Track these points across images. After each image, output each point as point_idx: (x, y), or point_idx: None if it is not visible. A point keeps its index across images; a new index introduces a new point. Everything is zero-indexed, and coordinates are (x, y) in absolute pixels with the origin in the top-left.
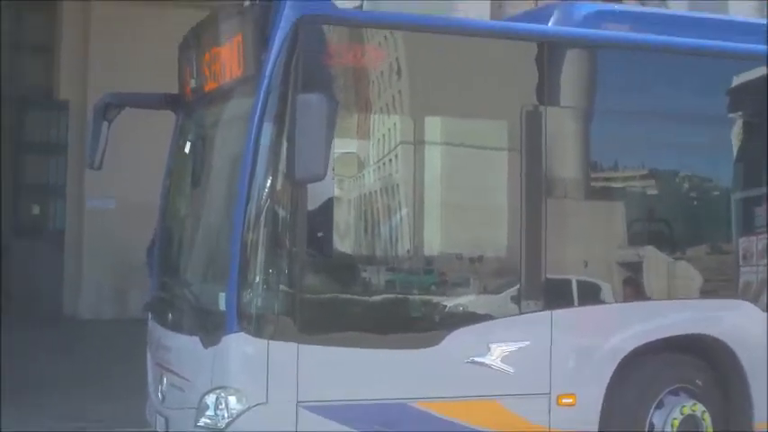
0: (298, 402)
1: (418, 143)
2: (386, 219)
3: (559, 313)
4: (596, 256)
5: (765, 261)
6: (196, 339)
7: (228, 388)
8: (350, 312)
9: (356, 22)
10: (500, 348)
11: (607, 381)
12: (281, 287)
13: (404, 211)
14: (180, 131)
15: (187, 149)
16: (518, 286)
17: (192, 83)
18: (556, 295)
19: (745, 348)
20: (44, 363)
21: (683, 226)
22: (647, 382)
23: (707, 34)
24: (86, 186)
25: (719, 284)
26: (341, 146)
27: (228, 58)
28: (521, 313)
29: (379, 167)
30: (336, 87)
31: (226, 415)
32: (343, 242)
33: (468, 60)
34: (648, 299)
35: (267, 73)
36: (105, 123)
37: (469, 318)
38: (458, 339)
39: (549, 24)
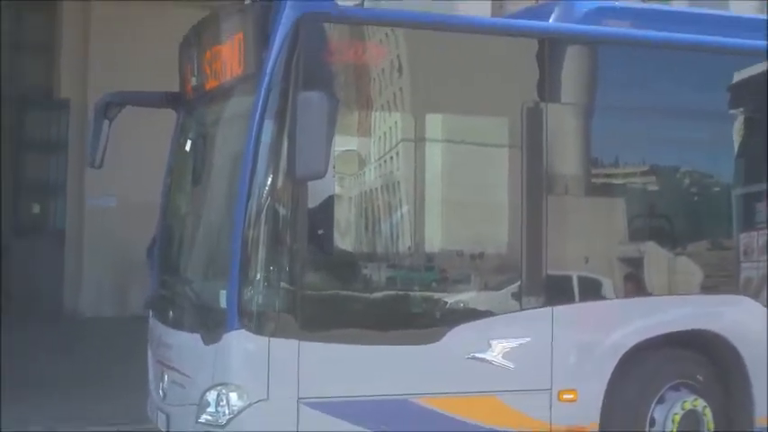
0: (299, 399)
1: (419, 140)
2: (387, 216)
3: (560, 309)
4: (597, 252)
5: (766, 256)
6: (197, 336)
7: (229, 385)
8: (351, 309)
9: (357, 20)
10: (501, 344)
11: (608, 376)
12: (282, 284)
13: (405, 208)
14: (181, 130)
15: (188, 148)
16: (519, 282)
17: (193, 81)
18: (557, 291)
19: (746, 344)
20: (45, 361)
21: (683, 222)
22: (648, 377)
23: (707, 30)
24: (87, 185)
25: (720, 280)
26: (342, 143)
27: (229, 56)
28: (522, 309)
29: (379, 165)
30: (337, 85)
31: (227, 411)
32: (344, 239)
33: (469, 57)
34: (649, 294)
35: (268, 71)
36: (106, 122)
37: (470, 314)
38: (459, 336)
39: (550, 21)
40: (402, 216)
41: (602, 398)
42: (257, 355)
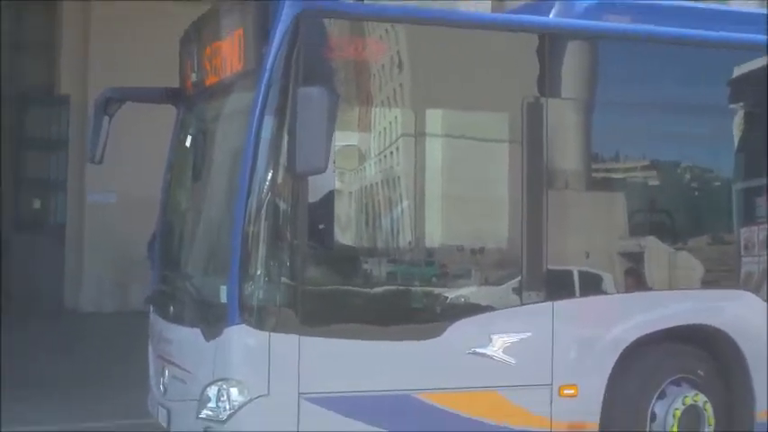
0: (299, 394)
1: (419, 136)
2: (387, 211)
3: (561, 304)
4: (598, 247)
5: (767, 251)
6: (198, 332)
7: (230, 380)
8: (351, 304)
9: (357, 16)
10: (502, 339)
11: (609, 371)
12: (283, 279)
13: (405, 203)
14: (181, 125)
15: (188, 143)
16: (519, 277)
17: (193, 77)
18: (557, 286)
19: (747, 338)
20: (45, 357)
21: (684, 216)
22: (648, 372)
23: (708, 25)
24: (87, 181)
25: (721, 275)
26: (342, 139)
27: (229, 51)
28: (522, 304)
29: (380, 160)
30: (337, 80)
31: (227, 407)
32: (345, 234)
33: (469, 53)
34: (650, 289)
35: (268, 66)
36: (106, 118)
37: (471, 309)
38: (459, 330)
39: (550, 16)
40: (402, 211)
41: (602, 393)
42: (258, 350)
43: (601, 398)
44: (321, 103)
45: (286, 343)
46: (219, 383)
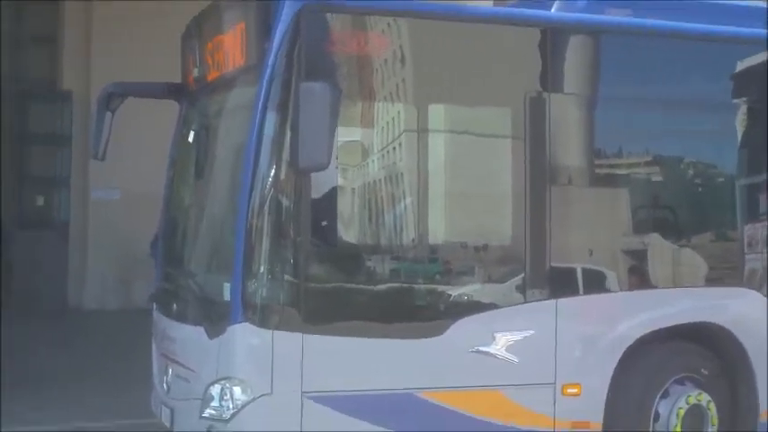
0: (303, 393)
1: (422, 131)
2: (390, 208)
3: (564, 302)
4: (601, 245)
5: None
6: (201, 330)
7: (233, 378)
8: (355, 302)
9: (359, 10)
10: (505, 338)
11: (612, 370)
12: (286, 277)
13: (408, 199)
14: (183, 121)
15: (190, 139)
16: (523, 275)
17: (195, 72)
18: (561, 284)
19: (751, 337)
20: (48, 355)
21: (687, 213)
22: (652, 371)
23: (711, 19)
24: (91, 177)
25: (724, 272)
26: (344, 134)
27: (231, 46)
28: (525, 302)
29: (382, 156)
30: (339, 76)
31: (231, 406)
32: (348, 231)
33: (471, 47)
34: (654, 287)
35: (270, 62)
36: (108, 113)
37: (474, 307)
38: (462, 329)
39: (553, 10)
40: (405, 208)
41: (606, 392)
42: (261, 348)
43: (604, 397)
44: (323, 99)
45: (289, 341)
46: (223, 382)
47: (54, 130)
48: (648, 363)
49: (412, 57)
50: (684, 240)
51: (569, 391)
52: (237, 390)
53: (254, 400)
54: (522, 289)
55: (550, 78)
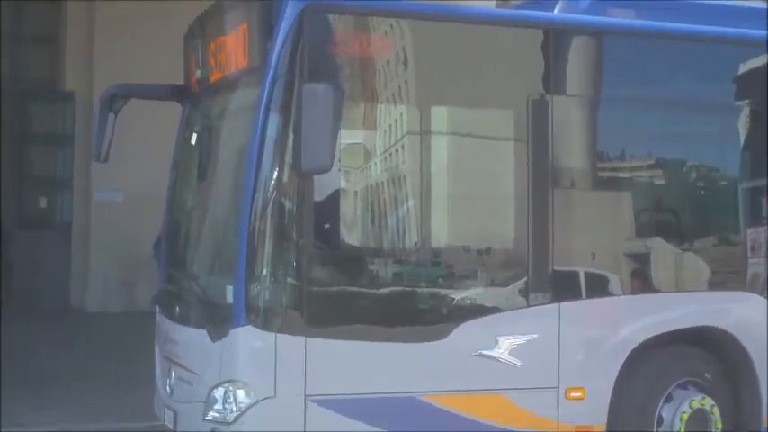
0: (306, 396)
1: (425, 133)
2: (393, 210)
3: (567, 306)
4: (604, 248)
5: None
6: (204, 332)
7: (236, 381)
8: (358, 305)
9: (362, 11)
10: (508, 341)
11: (616, 374)
12: (289, 280)
13: (411, 202)
14: (186, 122)
15: (193, 141)
16: (526, 278)
17: (198, 73)
18: (564, 287)
19: (754, 341)
20: (51, 357)
21: (690, 217)
22: (655, 375)
23: (714, 21)
24: (93, 179)
25: (727, 276)
26: (347, 136)
27: (234, 48)
28: (528, 306)
29: (385, 158)
30: (342, 77)
31: (234, 409)
32: (351, 234)
33: (474, 49)
34: (657, 291)
35: (273, 63)
36: (111, 115)
37: (477, 310)
38: (465, 332)
39: (555, 12)
40: (408, 210)
41: (609, 396)
42: (264, 351)
43: (607, 401)
44: (326, 100)
45: (292, 344)
46: (226, 385)
47: (56, 131)
48: (652, 367)
49: (415, 58)
50: (687, 244)
51: (573, 394)
52: (241, 393)
53: (257, 402)
54: (525, 292)
55: (553, 80)
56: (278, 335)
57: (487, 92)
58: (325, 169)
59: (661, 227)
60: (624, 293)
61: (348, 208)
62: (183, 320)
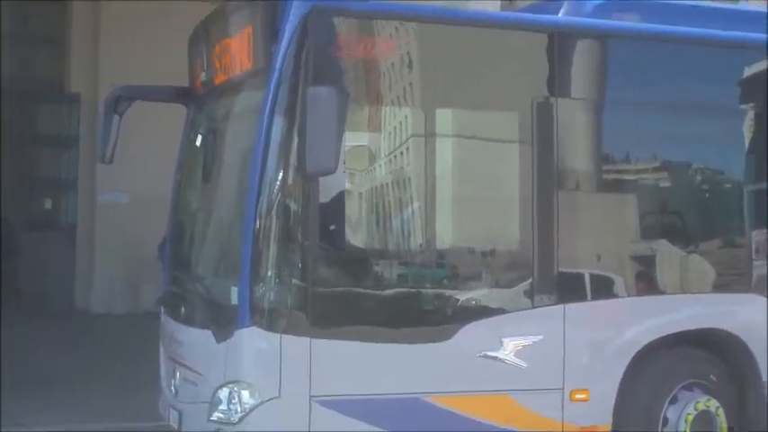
0: (311, 397)
1: (429, 136)
2: (398, 212)
3: (572, 307)
4: (609, 250)
5: None
6: (209, 333)
7: (241, 382)
8: (362, 306)
9: (367, 14)
10: (513, 343)
11: (621, 375)
12: (294, 281)
13: (416, 204)
14: (191, 125)
15: (198, 143)
16: (531, 280)
17: (203, 76)
18: (569, 289)
19: (759, 343)
20: (56, 358)
21: (695, 219)
22: (660, 376)
23: (718, 25)
24: (98, 180)
25: (732, 278)
26: (352, 139)
27: (238, 50)
28: (533, 307)
29: (390, 160)
30: (347, 80)
31: (239, 409)
32: (355, 236)
33: (478, 52)
34: (662, 293)
35: (277, 65)
36: (116, 116)
37: (482, 312)
38: (470, 333)
39: (560, 15)
40: (413, 212)
41: (614, 398)
42: (269, 352)
43: (612, 402)
44: (331, 103)
45: (297, 345)
46: (230, 386)
47: (61, 133)
48: (657, 369)
49: (419, 61)
50: (692, 246)
51: (577, 396)
52: (245, 393)
53: (261, 403)
54: (529, 294)
55: (558, 83)
56: (283, 336)
57: (492, 94)
58: (330, 171)
59: (666, 229)
60: (629, 295)
61: (353, 210)
62: (188, 321)
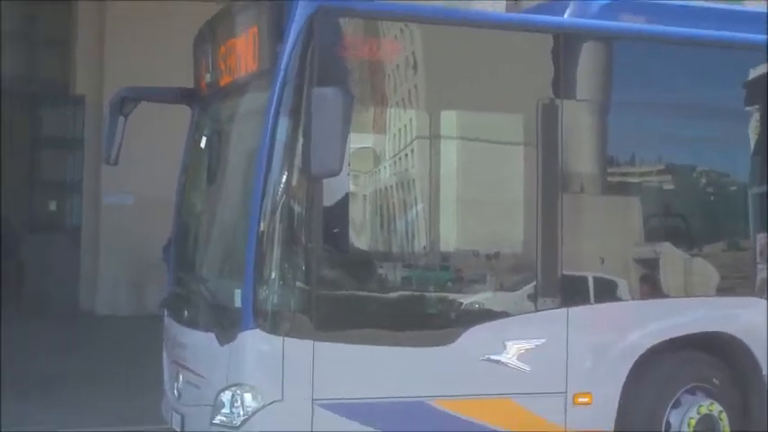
0: (313, 400)
1: (434, 137)
2: (402, 214)
3: (576, 311)
4: (613, 253)
5: None
6: (212, 336)
7: (244, 385)
8: (366, 309)
9: (372, 15)
10: (516, 346)
11: (623, 379)
12: (297, 284)
13: (420, 206)
14: (195, 126)
15: (203, 144)
16: (534, 283)
17: (208, 77)
18: (572, 292)
19: (762, 346)
20: (59, 357)
21: (700, 222)
22: (663, 380)
23: (724, 26)
24: (103, 182)
25: (736, 282)
26: (357, 140)
27: (243, 51)
28: (537, 311)
29: (395, 162)
30: (352, 81)
31: (241, 412)
32: (359, 238)
33: (484, 53)
34: (665, 296)
35: (282, 66)
36: (121, 118)
37: (485, 315)
38: (474, 337)
39: (565, 16)
40: (417, 214)
41: (617, 401)
42: (272, 355)
43: (615, 406)
44: (336, 104)
45: (300, 348)
46: (233, 389)
47: (66, 135)
48: (660, 372)
49: (425, 62)
50: (696, 249)
51: (580, 400)
52: (248, 396)
53: (264, 406)
54: (533, 297)
55: (563, 85)
56: (286, 339)
57: (497, 96)
58: (335, 173)
59: (670, 232)
60: (633, 299)
61: (357, 212)
62: (192, 324)
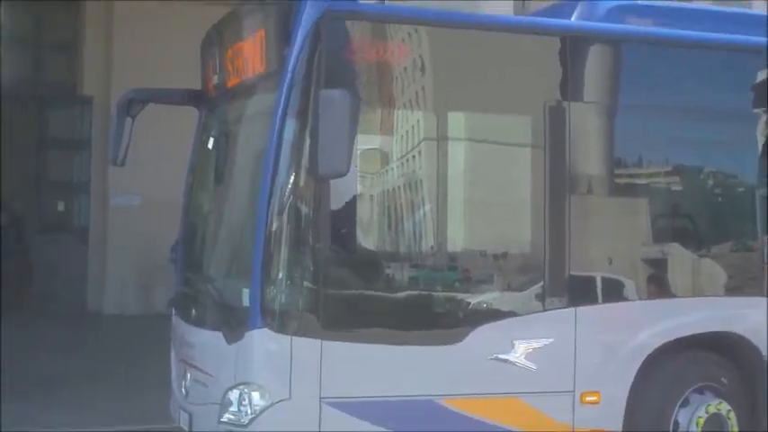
0: (321, 399)
1: (441, 139)
2: (409, 215)
3: (583, 310)
4: (620, 253)
5: None
6: (219, 335)
7: (252, 384)
8: (373, 309)
9: (379, 18)
10: (524, 345)
11: (632, 379)
12: (305, 283)
13: (427, 207)
14: (203, 128)
15: (210, 146)
16: (542, 283)
17: (215, 79)
18: (580, 292)
19: None
20: (68, 358)
21: (707, 222)
22: (671, 380)
23: (731, 29)
24: (110, 183)
25: (744, 282)
26: (364, 142)
27: (251, 53)
28: (545, 310)
29: (402, 163)
30: (359, 83)
31: (249, 411)
32: (367, 238)
33: (491, 56)
34: (673, 296)
35: (290, 68)
36: (129, 119)
37: (493, 314)
38: (482, 336)
39: (573, 19)
40: (425, 215)
41: (625, 400)
42: (279, 354)
43: (623, 405)
44: (343, 106)
45: (308, 347)
46: (241, 387)
47: (74, 136)
48: (668, 372)
49: (432, 65)
50: (704, 250)
51: (588, 399)
52: (256, 395)
53: (272, 405)
54: (541, 297)
55: (570, 87)
56: (293, 338)
57: (504, 98)
58: (342, 174)
59: (678, 232)
60: (640, 298)
61: (364, 212)
62: (199, 323)
